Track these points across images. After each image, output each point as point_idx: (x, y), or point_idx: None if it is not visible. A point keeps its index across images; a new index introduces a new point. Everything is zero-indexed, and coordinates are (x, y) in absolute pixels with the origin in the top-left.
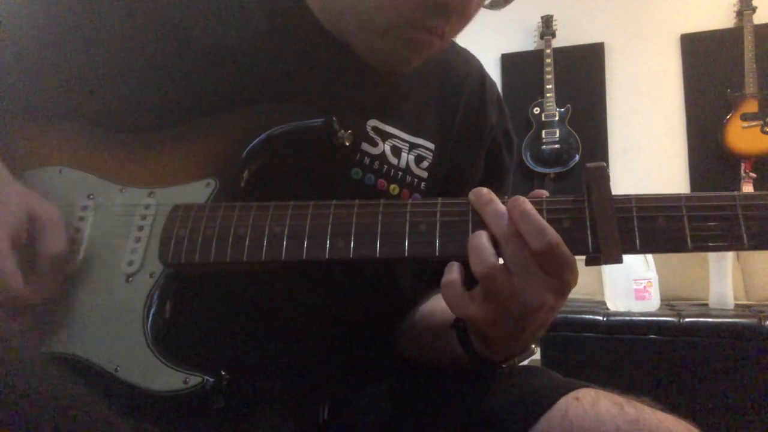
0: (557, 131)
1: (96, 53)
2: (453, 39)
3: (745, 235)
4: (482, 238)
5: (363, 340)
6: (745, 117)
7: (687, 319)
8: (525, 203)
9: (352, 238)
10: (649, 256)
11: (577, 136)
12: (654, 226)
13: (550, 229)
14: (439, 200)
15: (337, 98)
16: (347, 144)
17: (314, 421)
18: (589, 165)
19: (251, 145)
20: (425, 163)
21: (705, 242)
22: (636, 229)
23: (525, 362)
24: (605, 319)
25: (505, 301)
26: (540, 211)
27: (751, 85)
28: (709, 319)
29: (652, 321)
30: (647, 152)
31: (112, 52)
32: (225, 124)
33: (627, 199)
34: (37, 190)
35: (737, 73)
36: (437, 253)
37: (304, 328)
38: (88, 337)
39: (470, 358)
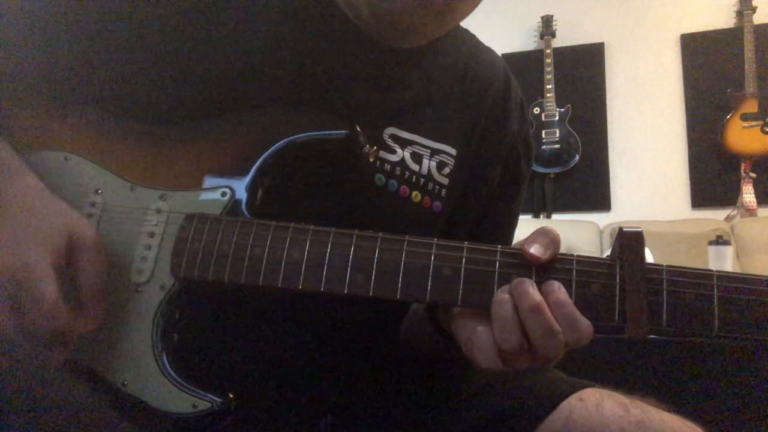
0: (557, 131)
1: (118, 38)
2: (477, 40)
3: None
4: (509, 311)
5: (365, 351)
6: (745, 117)
7: None
8: (560, 291)
9: (373, 276)
10: (648, 253)
11: (577, 136)
12: (682, 303)
13: (583, 323)
14: (465, 245)
15: (356, 106)
16: (371, 160)
17: None
18: (626, 230)
19: (268, 152)
20: (447, 170)
21: (731, 329)
22: (664, 304)
23: None
24: None
25: (520, 366)
26: (569, 270)
27: (751, 85)
28: None
29: None
30: (647, 152)
31: (134, 38)
32: (242, 127)
33: (658, 269)
34: (40, 175)
35: (737, 73)
36: (459, 302)
37: (306, 340)
38: (96, 346)
39: (443, 338)
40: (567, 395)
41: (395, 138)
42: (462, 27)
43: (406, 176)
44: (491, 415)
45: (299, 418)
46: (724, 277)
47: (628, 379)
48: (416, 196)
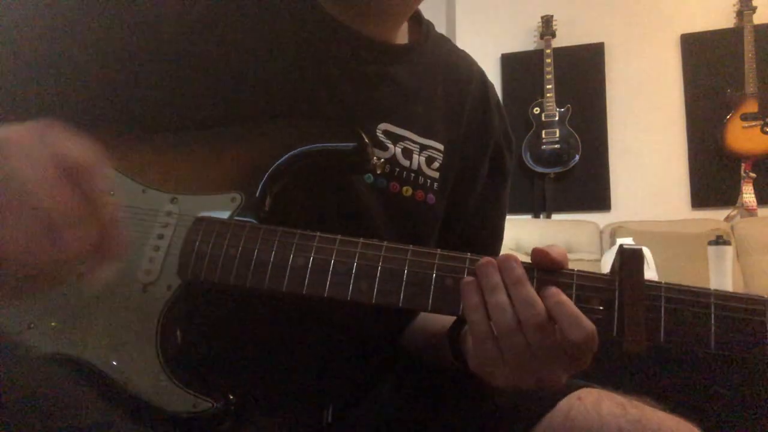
0: (557, 131)
1: (133, 47)
2: (453, 44)
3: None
4: (514, 322)
5: (367, 343)
6: (745, 117)
7: None
8: (559, 293)
9: (376, 283)
10: (648, 253)
11: (577, 136)
12: (680, 319)
13: (586, 320)
14: (468, 256)
15: (352, 104)
16: (379, 172)
17: (318, 424)
18: (625, 246)
19: (280, 161)
20: (436, 164)
21: (727, 345)
22: (662, 320)
23: None
24: None
25: (527, 380)
26: (569, 285)
27: (751, 85)
28: None
29: None
30: (647, 152)
31: (148, 48)
32: (252, 136)
33: (657, 286)
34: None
35: (737, 73)
36: (460, 312)
37: (308, 331)
38: (100, 344)
39: (461, 367)
40: (565, 394)
41: (388, 134)
42: (438, 32)
43: (396, 173)
44: (491, 411)
45: (301, 408)
46: (721, 295)
47: (626, 381)
48: (407, 190)
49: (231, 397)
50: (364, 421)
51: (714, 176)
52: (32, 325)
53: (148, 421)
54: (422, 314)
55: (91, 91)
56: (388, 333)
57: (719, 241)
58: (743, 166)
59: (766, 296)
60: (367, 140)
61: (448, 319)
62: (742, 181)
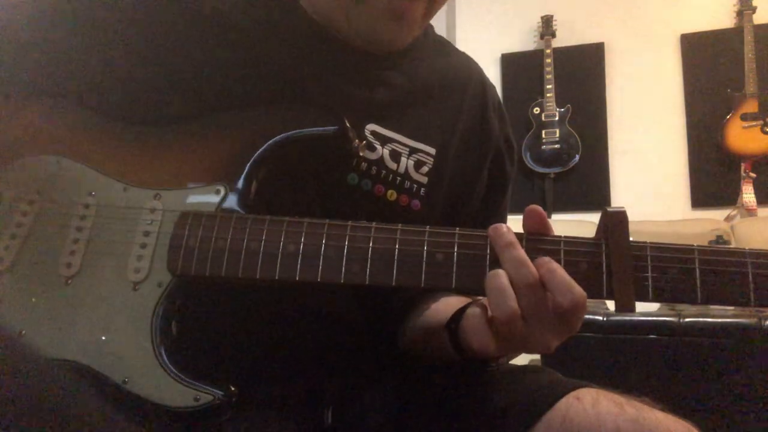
0: (557, 131)
1: (110, 40)
2: (450, 42)
3: (752, 294)
4: (502, 279)
5: (365, 343)
6: (745, 117)
7: (687, 319)
8: (551, 262)
9: (368, 264)
10: None
11: (577, 136)
12: (667, 276)
13: (577, 287)
14: (457, 230)
15: (337, 101)
16: (361, 154)
17: (319, 425)
18: (609, 209)
19: (261, 150)
20: (425, 168)
21: (714, 297)
22: (649, 278)
23: (525, 362)
24: (605, 319)
25: (515, 342)
26: (557, 251)
27: (751, 85)
28: (709, 319)
29: (652, 321)
30: (647, 152)
31: (125, 40)
32: (233, 126)
33: (642, 246)
34: (30, 181)
35: (737, 73)
36: (453, 286)
37: (307, 332)
38: (95, 346)
39: (461, 357)
40: (564, 394)
41: (376, 134)
42: (438, 34)
43: (382, 175)
44: (489, 411)
45: (301, 410)
46: (704, 250)
47: (623, 380)
48: (391, 194)
49: (232, 388)
50: (363, 423)
51: (714, 176)
52: (24, 332)
53: (151, 420)
54: (420, 312)
55: (72, 80)
56: (386, 333)
57: (719, 241)
58: (743, 166)
59: (747, 249)
60: (348, 124)
61: (446, 315)
62: (742, 181)
